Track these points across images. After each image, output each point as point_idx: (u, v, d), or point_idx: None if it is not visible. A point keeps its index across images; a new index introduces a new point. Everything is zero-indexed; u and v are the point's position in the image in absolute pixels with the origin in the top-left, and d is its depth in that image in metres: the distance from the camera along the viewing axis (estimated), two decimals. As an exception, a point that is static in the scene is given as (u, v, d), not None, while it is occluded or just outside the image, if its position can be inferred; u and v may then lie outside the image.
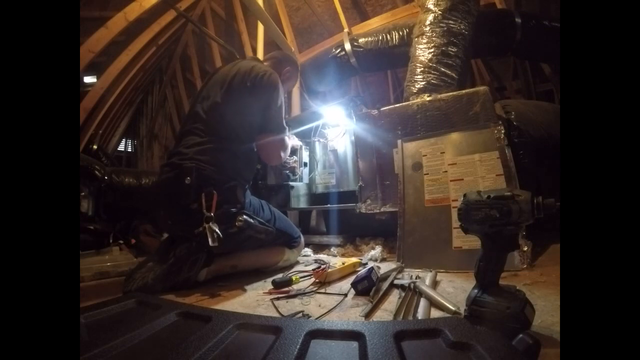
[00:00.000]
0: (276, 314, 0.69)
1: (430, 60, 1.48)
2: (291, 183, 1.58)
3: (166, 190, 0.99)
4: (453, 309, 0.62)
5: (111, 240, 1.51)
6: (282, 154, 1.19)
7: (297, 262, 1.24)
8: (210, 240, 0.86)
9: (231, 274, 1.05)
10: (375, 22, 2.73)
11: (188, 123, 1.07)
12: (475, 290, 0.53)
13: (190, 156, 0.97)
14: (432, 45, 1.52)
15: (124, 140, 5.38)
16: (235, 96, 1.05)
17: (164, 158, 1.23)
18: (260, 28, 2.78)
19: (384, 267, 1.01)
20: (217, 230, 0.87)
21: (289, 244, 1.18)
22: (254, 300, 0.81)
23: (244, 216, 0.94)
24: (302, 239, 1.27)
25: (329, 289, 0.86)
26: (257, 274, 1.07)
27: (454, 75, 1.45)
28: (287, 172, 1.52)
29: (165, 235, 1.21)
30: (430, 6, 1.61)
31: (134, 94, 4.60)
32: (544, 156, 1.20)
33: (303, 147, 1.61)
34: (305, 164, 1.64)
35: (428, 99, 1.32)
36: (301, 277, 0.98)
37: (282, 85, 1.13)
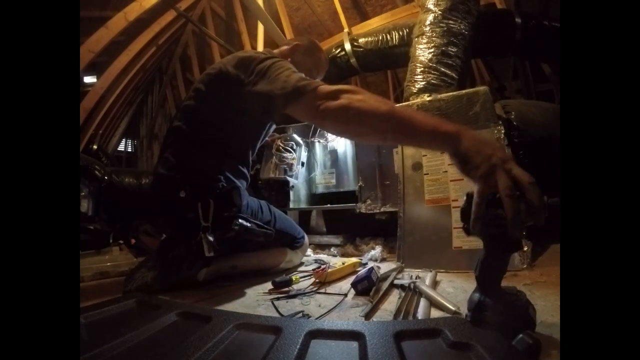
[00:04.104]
0: (276, 314, 0.69)
1: (430, 60, 1.48)
2: (290, 180, 1.57)
3: (161, 203, 0.98)
4: (453, 309, 0.62)
5: (111, 240, 1.51)
6: (374, 120, 0.62)
7: (302, 264, 1.21)
8: (206, 250, 0.85)
9: (231, 274, 1.04)
10: (375, 22, 2.73)
11: (171, 125, 1.04)
12: (477, 294, 0.51)
13: (175, 164, 0.94)
14: (432, 45, 1.52)
15: (124, 140, 5.38)
16: (207, 87, 0.98)
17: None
18: (260, 28, 2.78)
19: (384, 267, 1.01)
20: (212, 240, 0.86)
21: (291, 244, 1.15)
22: (254, 300, 0.81)
23: (240, 220, 0.90)
24: (306, 239, 1.24)
25: (329, 289, 0.86)
26: (258, 274, 1.07)
27: (454, 75, 1.44)
28: (285, 167, 1.52)
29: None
30: (430, 6, 1.61)
31: (134, 94, 4.60)
32: (544, 156, 1.20)
33: (302, 146, 1.61)
34: (303, 164, 1.64)
35: (428, 99, 1.32)
36: (301, 277, 0.98)
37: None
